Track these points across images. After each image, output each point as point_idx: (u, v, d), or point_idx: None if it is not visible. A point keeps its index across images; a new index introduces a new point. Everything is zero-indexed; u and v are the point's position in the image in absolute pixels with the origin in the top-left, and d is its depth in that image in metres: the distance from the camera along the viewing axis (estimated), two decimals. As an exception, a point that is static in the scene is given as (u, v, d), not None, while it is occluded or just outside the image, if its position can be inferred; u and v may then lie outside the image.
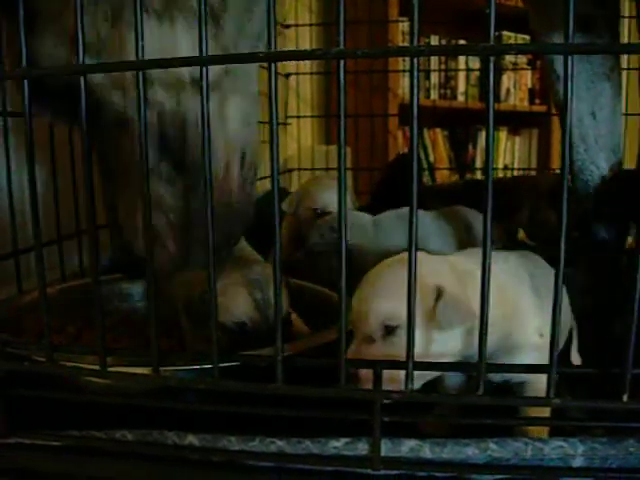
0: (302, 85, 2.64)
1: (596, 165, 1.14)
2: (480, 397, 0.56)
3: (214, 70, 0.72)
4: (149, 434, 0.64)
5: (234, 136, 0.78)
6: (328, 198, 1.37)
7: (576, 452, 0.59)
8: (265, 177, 2.17)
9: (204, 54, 0.54)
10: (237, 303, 0.89)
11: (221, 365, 0.60)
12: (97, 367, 0.64)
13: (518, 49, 0.59)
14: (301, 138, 2.60)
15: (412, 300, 0.54)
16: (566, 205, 0.51)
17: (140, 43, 0.56)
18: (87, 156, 0.60)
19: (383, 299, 0.65)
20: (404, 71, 2.80)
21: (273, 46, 0.52)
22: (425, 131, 3.58)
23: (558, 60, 1.11)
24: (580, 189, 1.16)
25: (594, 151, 1.13)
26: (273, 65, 0.52)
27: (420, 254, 0.58)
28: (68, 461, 0.65)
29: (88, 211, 0.62)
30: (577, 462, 0.59)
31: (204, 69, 0.54)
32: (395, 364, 0.59)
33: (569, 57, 0.49)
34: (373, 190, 2.02)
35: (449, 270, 0.69)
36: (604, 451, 0.59)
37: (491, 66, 0.50)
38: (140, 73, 0.56)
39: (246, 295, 0.89)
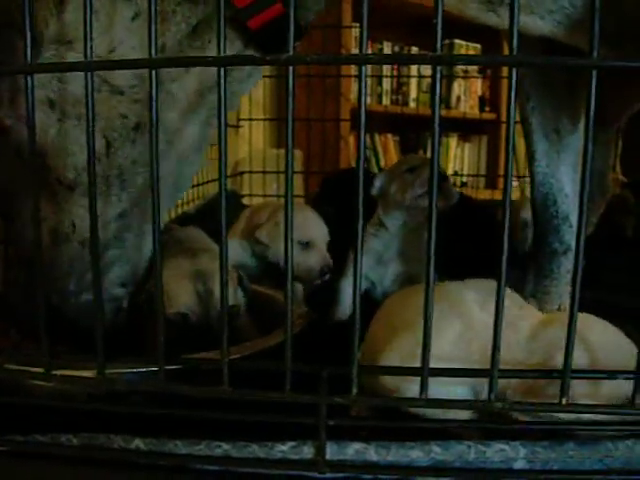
0: (254, 88, 2.63)
1: (556, 179, 1.18)
2: (423, 401, 0.57)
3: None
4: (95, 438, 0.64)
5: None
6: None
7: (518, 455, 0.60)
8: (214, 180, 2.17)
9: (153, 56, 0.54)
10: (179, 294, 0.89)
11: (168, 368, 0.60)
12: (41, 370, 0.63)
13: (466, 60, 0.60)
14: (253, 141, 2.60)
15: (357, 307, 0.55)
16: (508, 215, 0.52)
17: (89, 44, 0.56)
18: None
19: None
20: (356, 76, 2.81)
21: (222, 50, 0.52)
22: (376, 136, 3.61)
23: (528, 77, 1.14)
24: (539, 200, 1.19)
25: (555, 165, 1.18)
26: (222, 69, 0.52)
27: None
28: (11, 466, 0.64)
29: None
30: (519, 465, 0.60)
31: (153, 72, 0.54)
32: (339, 369, 0.59)
33: (514, 69, 0.51)
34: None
35: None
36: (545, 454, 0.60)
37: (438, 76, 0.51)
38: (89, 75, 0.56)
39: (189, 286, 0.90)
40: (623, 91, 1.24)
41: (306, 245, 1.28)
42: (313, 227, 1.31)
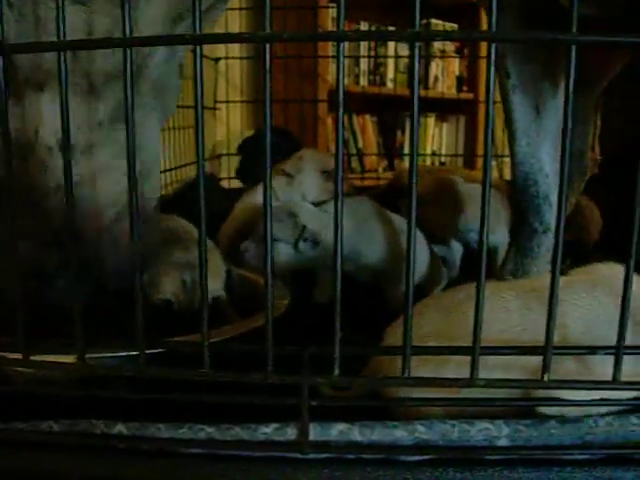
0: (231, 70, 2.62)
1: (537, 158, 1.17)
2: (406, 379, 0.57)
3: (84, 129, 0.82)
4: (76, 424, 0.63)
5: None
6: None
7: (501, 434, 0.61)
8: (192, 163, 2.16)
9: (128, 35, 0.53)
10: (166, 282, 0.93)
11: (148, 352, 0.60)
12: (19, 356, 0.62)
13: (444, 36, 0.60)
14: (230, 123, 2.58)
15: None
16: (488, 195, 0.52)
17: (61, 25, 0.55)
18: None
19: None
20: (333, 57, 2.80)
21: (198, 28, 0.51)
22: (354, 117, 3.60)
23: (509, 54, 1.13)
24: (519, 179, 1.19)
25: (535, 145, 1.17)
26: (198, 48, 0.51)
27: None
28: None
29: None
30: (502, 442, 0.61)
31: (127, 51, 0.53)
32: (320, 349, 0.59)
33: (492, 45, 0.50)
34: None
35: None
36: (527, 432, 0.61)
37: (416, 52, 0.50)
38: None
39: (176, 275, 0.94)
40: (604, 54, 1.23)
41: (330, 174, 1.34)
42: (328, 157, 1.37)
